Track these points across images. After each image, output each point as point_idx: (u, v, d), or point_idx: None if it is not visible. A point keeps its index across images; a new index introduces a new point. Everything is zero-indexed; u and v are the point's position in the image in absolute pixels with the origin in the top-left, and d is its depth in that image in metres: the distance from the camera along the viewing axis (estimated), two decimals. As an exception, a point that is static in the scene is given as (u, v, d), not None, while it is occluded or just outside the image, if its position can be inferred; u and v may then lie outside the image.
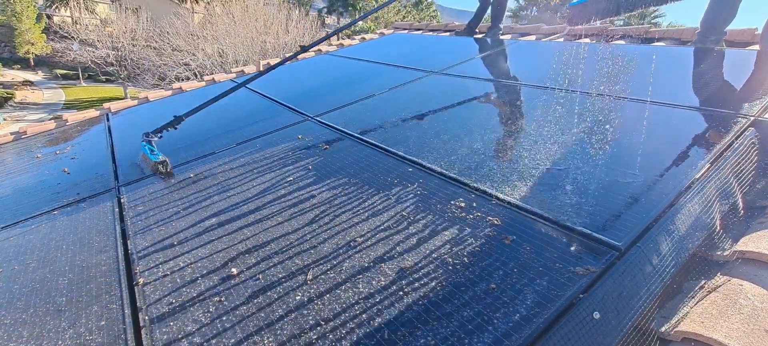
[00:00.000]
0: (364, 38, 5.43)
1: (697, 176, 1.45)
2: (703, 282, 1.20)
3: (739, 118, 1.75)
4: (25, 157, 2.95)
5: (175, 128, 2.56)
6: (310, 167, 1.99)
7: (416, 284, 1.20)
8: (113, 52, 23.53)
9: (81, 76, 29.31)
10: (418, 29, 5.67)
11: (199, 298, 1.27)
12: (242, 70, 4.57)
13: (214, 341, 1.12)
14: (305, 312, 1.16)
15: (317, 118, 2.63)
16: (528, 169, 1.68)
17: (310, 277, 1.29)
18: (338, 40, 5.67)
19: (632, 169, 1.57)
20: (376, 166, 1.89)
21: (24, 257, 1.65)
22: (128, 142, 2.86)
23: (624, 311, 1.07)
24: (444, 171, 1.76)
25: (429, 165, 1.83)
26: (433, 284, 1.19)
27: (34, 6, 29.62)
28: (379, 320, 1.10)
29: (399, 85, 3.04)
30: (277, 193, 1.81)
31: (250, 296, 1.25)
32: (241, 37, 15.47)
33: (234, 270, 1.36)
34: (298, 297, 1.22)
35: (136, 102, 4.02)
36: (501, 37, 4.28)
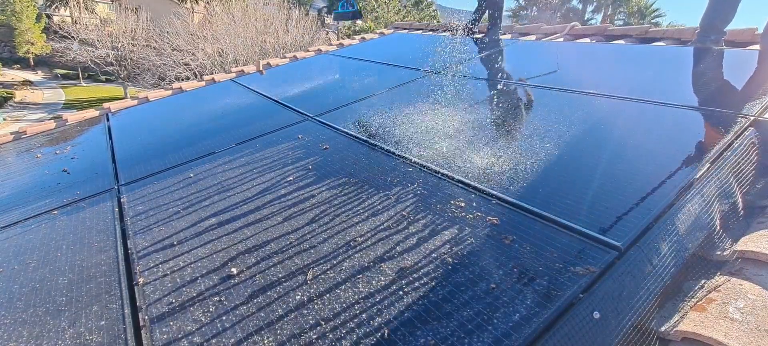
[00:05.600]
0: (364, 38, 5.43)
1: (697, 176, 1.45)
2: (703, 282, 1.20)
3: (739, 118, 1.75)
4: (25, 157, 2.95)
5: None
6: (310, 167, 1.99)
7: (416, 284, 1.20)
8: (113, 52, 23.51)
9: (81, 76, 29.29)
10: (418, 29, 5.67)
11: (199, 298, 1.27)
12: (242, 70, 4.57)
13: (214, 341, 1.12)
14: (305, 312, 1.16)
15: (317, 118, 2.63)
16: (528, 169, 1.68)
17: (310, 277, 1.29)
18: (338, 40, 5.67)
19: (632, 169, 1.57)
20: (376, 166, 1.89)
21: (24, 257, 1.65)
22: (128, 142, 2.86)
23: (624, 311, 1.07)
24: (444, 171, 1.76)
25: (429, 165, 1.83)
26: (433, 284, 1.19)
27: (34, 6, 29.58)
28: (379, 320, 1.10)
29: (399, 85, 3.04)
30: (277, 193, 1.81)
31: (250, 296, 1.25)
32: (241, 37, 15.46)
33: (234, 270, 1.36)
34: (298, 297, 1.22)
35: (136, 102, 4.02)
36: (500, 36, 4.28)
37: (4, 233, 1.88)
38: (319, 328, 1.11)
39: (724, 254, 1.27)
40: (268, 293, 1.25)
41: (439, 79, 3.06)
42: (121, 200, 1.98)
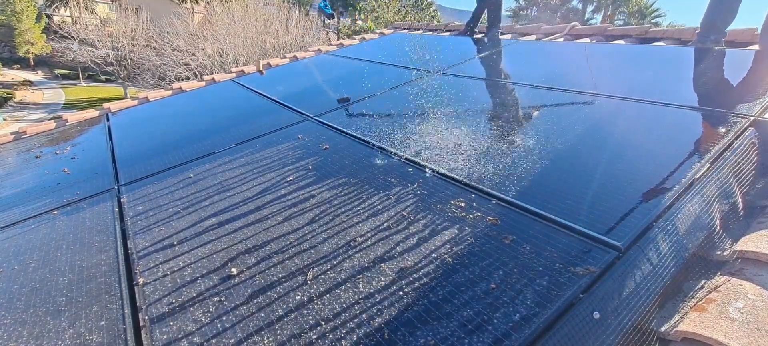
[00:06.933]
0: (364, 38, 5.43)
1: (697, 176, 1.45)
2: (703, 282, 1.20)
3: (739, 118, 1.75)
4: (25, 157, 2.95)
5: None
6: (310, 167, 1.99)
7: (416, 284, 1.20)
8: (113, 52, 23.50)
9: (81, 76, 29.28)
10: (418, 29, 5.67)
11: (199, 298, 1.27)
12: (242, 70, 4.57)
13: (214, 341, 1.12)
14: (305, 312, 1.16)
15: (317, 118, 2.63)
16: (528, 168, 1.68)
17: (310, 277, 1.29)
18: (338, 40, 5.67)
19: (632, 169, 1.57)
20: (376, 167, 1.89)
21: (24, 257, 1.65)
22: (128, 142, 2.86)
23: (624, 311, 1.07)
24: (444, 171, 1.76)
25: (429, 165, 1.83)
26: (433, 284, 1.19)
27: (34, 6, 29.58)
28: (379, 320, 1.10)
29: (399, 85, 3.04)
30: (277, 193, 1.81)
31: (250, 296, 1.25)
32: (241, 37, 15.45)
33: (234, 270, 1.36)
34: (298, 297, 1.22)
35: (136, 102, 4.02)
36: (500, 36, 4.28)
37: (4, 233, 1.88)
38: (319, 328, 1.11)
39: (724, 254, 1.27)
40: (268, 293, 1.25)
41: (438, 80, 3.06)
42: (121, 200, 1.98)
